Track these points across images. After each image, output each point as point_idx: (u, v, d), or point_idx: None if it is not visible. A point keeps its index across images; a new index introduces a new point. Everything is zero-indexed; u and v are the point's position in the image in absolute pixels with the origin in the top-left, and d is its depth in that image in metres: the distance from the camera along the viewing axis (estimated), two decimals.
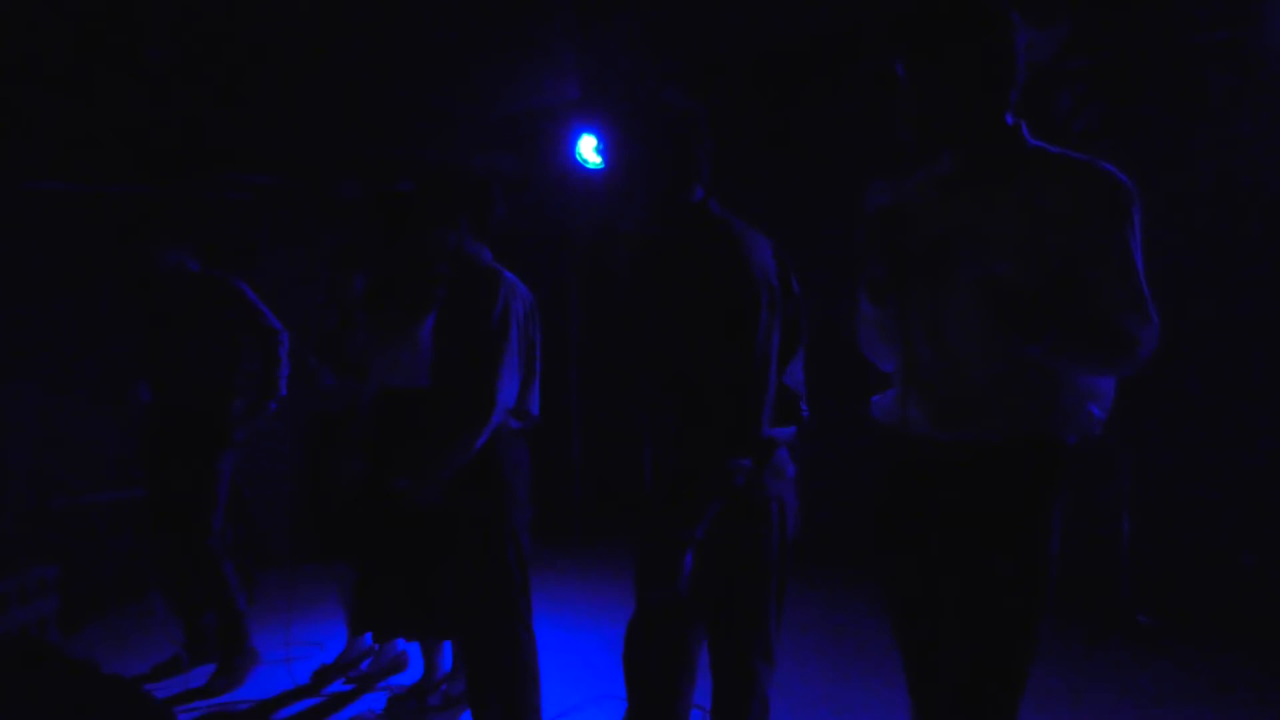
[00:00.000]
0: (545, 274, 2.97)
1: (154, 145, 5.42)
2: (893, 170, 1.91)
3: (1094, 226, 1.72)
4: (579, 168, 5.65)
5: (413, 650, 3.91)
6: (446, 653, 3.67)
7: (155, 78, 4.73)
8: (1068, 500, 1.83)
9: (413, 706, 3.51)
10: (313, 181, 6.03)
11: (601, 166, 5.62)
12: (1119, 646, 4.12)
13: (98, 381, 5.43)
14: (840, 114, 5.20)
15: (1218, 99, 4.16)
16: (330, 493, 3.65)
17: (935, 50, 1.78)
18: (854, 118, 5.13)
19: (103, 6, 4.00)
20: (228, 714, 3.58)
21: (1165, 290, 1.94)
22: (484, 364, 2.71)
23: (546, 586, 4.92)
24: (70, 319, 5.39)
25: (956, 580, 1.85)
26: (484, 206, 2.84)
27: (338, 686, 3.81)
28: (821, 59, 4.85)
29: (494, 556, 2.77)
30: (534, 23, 4.40)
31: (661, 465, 2.32)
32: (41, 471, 5.27)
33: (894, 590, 2.01)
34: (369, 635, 3.96)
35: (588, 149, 5.54)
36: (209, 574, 3.82)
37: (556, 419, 3.06)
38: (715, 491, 2.10)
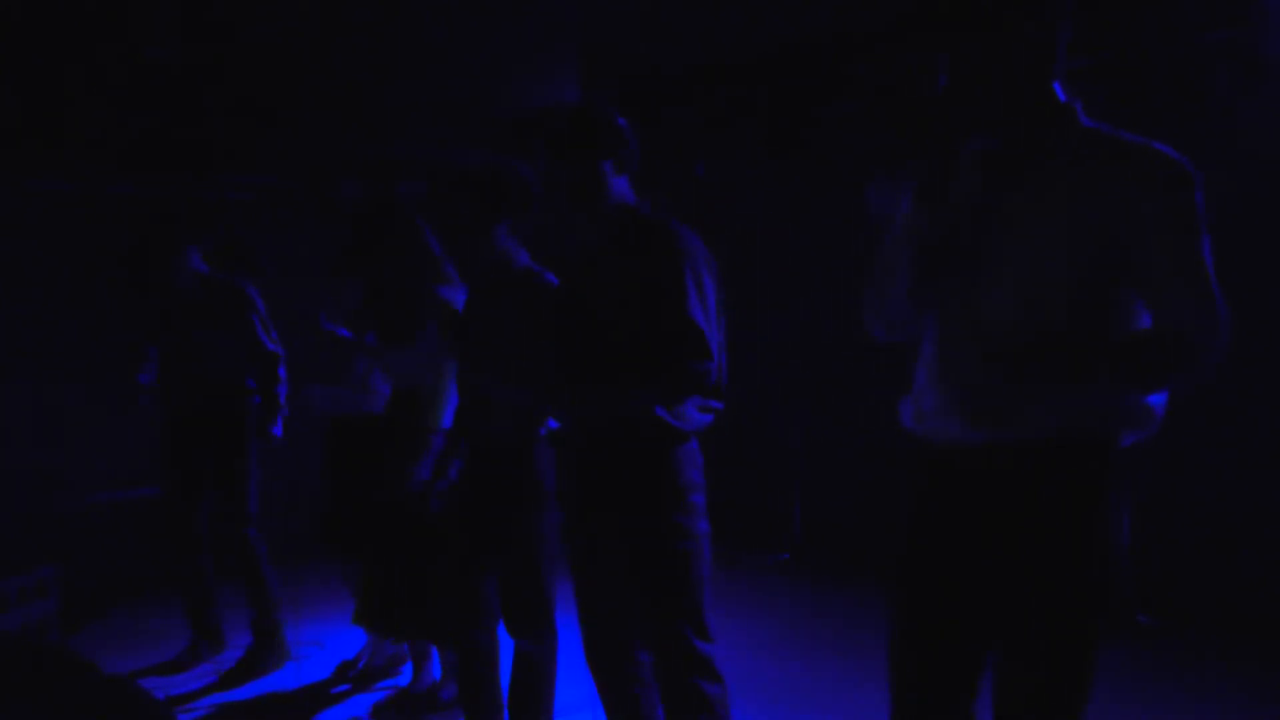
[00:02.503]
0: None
1: (154, 145, 5.42)
2: (892, 169, 1.87)
3: (1146, 211, 1.60)
4: None
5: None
6: (436, 658, 3.67)
7: (155, 77, 4.73)
8: (1128, 505, 1.71)
9: (408, 709, 3.51)
10: (313, 181, 6.03)
11: None
12: (1119, 646, 4.12)
13: (97, 381, 5.44)
14: (840, 114, 5.21)
15: (1218, 99, 4.16)
16: (350, 493, 3.66)
17: (988, 24, 1.67)
18: (854, 118, 5.13)
19: (103, 6, 4.00)
20: (227, 713, 3.58)
21: None
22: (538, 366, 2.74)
23: None
24: (70, 319, 5.40)
25: (1006, 599, 1.71)
26: (525, 206, 2.84)
27: (337, 687, 3.82)
28: (821, 59, 4.86)
29: (527, 561, 2.78)
30: (534, 22, 4.39)
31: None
32: (41, 471, 5.27)
33: (919, 609, 1.84)
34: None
35: None
36: (249, 564, 3.94)
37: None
38: (681, 386, 2.24)
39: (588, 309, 2.37)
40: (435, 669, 3.66)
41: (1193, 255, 1.60)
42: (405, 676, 3.86)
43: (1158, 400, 1.72)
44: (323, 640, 4.27)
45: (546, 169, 2.39)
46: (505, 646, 2.85)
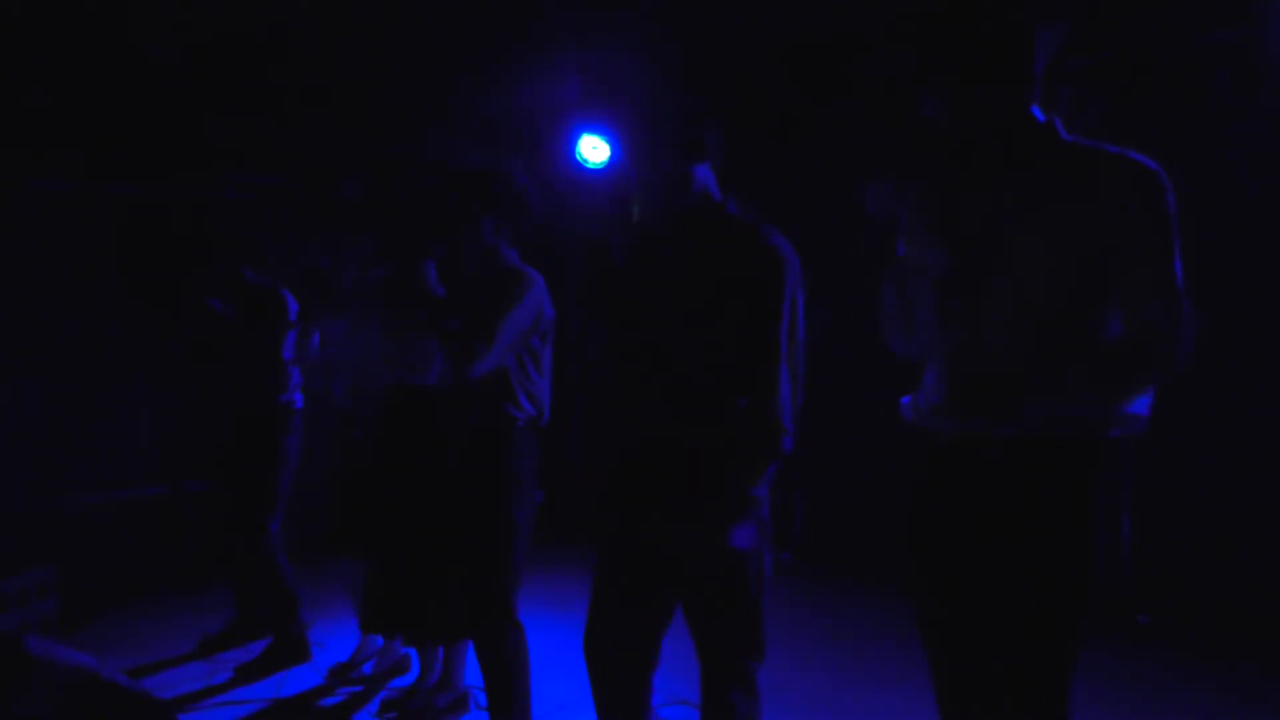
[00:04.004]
0: (545, 273, 2.99)
1: (154, 145, 5.42)
2: (893, 170, 1.91)
3: (1121, 217, 1.71)
4: (579, 168, 5.65)
5: (414, 653, 3.91)
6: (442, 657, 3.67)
7: (155, 77, 4.73)
8: (1106, 497, 1.83)
9: (413, 708, 3.51)
10: (313, 181, 6.03)
11: (602, 166, 5.63)
12: (1119, 646, 4.12)
13: (97, 381, 5.44)
14: (840, 114, 5.21)
15: (1218, 99, 4.16)
16: (348, 489, 3.68)
17: (959, 49, 1.78)
18: (854, 118, 5.13)
19: (103, 6, 4.00)
20: (229, 714, 3.58)
21: None
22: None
23: (550, 586, 4.92)
24: (70, 319, 5.39)
25: (997, 584, 1.82)
26: (517, 207, 2.87)
27: (342, 689, 3.81)
28: (821, 59, 4.86)
29: (497, 551, 2.78)
30: (534, 23, 4.40)
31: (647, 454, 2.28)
32: (41, 471, 5.27)
33: (928, 598, 1.97)
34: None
35: (588, 149, 5.54)
36: (266, 568, 3.98)
37: (558, 418, 3.07)
38: (772, 454, 2.14)
39: (661, 309, 2.23)
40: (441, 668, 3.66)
41: (1164, 259, 1.72)
42: (409, 676, 3.86)
43: (1142, 399, 1.82)
44: (324, 641, 4.27)
45: (622, 155, 2.31)
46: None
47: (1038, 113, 1.83)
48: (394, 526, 3.39)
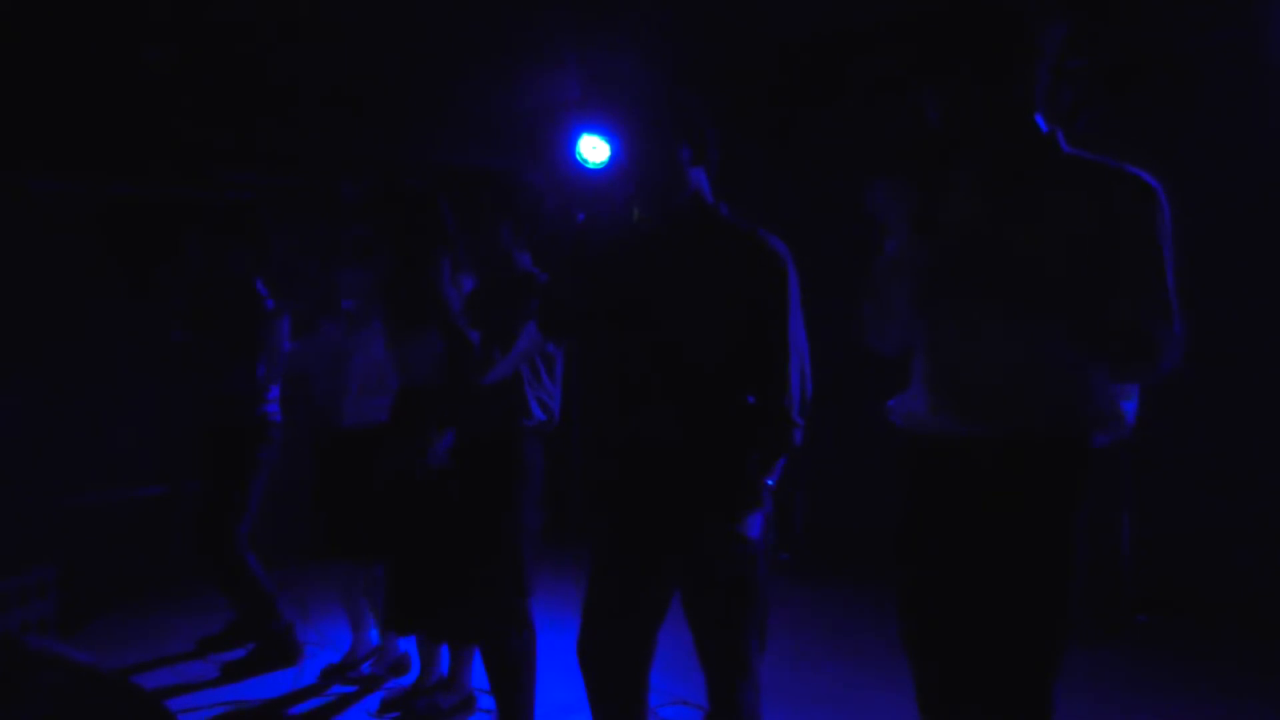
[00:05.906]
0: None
1: (154, 145, 5.42)
2: (899, 171, 1.88)
3: (1118, 228, 1.72)
4: (579, 168, 5.65)
5: (415, 653, 3.91)
6: (444, 660, 3.67)
7: (155, 78, 4.73)
8: (1092, 503, 1.82)
9: (414, 708, 3.50)
10: (313, 181, 6.03)
11: (603, 166, 5.63)
12: (1119, 646, 4.12)
13: (98, 381, 5.44)
14: (840, 114, 5.21)
15: (1217, 99, 4.16)
16: (346, 493, 3.65)
17: (963, 51, 1.78)
18: (854, 118, 5.13)
19: (102, 6, 4.00)
20: (228, 714, 3.58)
21: None
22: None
23: (550, 587, 4.92)
24: (70, 319, 5.39)
25: (980, 588, 1.82)
26: (531, 213, 2.87)
27: (339, 688, 3.81)
28: (822, 59, 4.86)
29: (507, 555, 2.78)
30: (534, 23, 4.40)
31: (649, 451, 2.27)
32: (41, 471, 5.27)
33: (913, 597, 1.97)
34: (374, 635, 3.96)
35: (588, 149, 5.54)
36: (235, 572, 3.94)
37: (559, 420, 3.07)
38: (784, 448, 2.18)
39: (653, 308, 2.23)
40: (443, 667, 3.66)
41: (1157, 273, 1.75)
42: (409, 677, 3.86)
43: (1128, 405, 1.82)
44: (320, 641, 4.27)
45: (618, 148, 2.31)
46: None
47: (1041, 122, 1.83)
48: (409, 527, 3.37)
